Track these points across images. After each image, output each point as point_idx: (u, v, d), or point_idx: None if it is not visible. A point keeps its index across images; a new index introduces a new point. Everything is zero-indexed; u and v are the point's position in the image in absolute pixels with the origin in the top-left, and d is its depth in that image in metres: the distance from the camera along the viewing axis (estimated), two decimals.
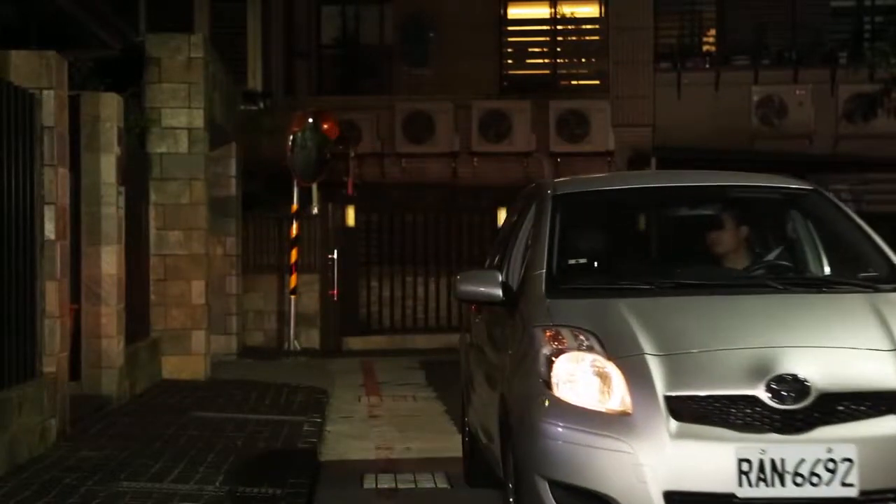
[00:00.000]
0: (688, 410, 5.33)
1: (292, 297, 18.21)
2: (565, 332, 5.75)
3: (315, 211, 19.45)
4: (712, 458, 5.25)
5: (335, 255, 18.76)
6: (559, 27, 25.24)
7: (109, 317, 11.40)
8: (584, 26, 25.29)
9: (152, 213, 13.93)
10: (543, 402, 5.58)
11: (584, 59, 25.36)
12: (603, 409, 5.46)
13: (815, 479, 5.23)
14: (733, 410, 5.31)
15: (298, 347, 18.00)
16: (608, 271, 6.76)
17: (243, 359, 17.01)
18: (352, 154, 21.68)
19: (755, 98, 22.24)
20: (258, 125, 19.46)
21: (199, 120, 14.02)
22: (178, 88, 13.95)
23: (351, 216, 19.62)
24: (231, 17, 22.66)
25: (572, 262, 6.77)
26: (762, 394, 5.31)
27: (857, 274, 6.48)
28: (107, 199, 11.48)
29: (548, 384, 5.60)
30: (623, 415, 5.40)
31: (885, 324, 5.71)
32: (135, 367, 12.35)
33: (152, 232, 13.93)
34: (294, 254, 18.26)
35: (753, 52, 22.57)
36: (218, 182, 16.50)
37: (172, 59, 13.98)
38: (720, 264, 6.77)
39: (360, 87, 24.86)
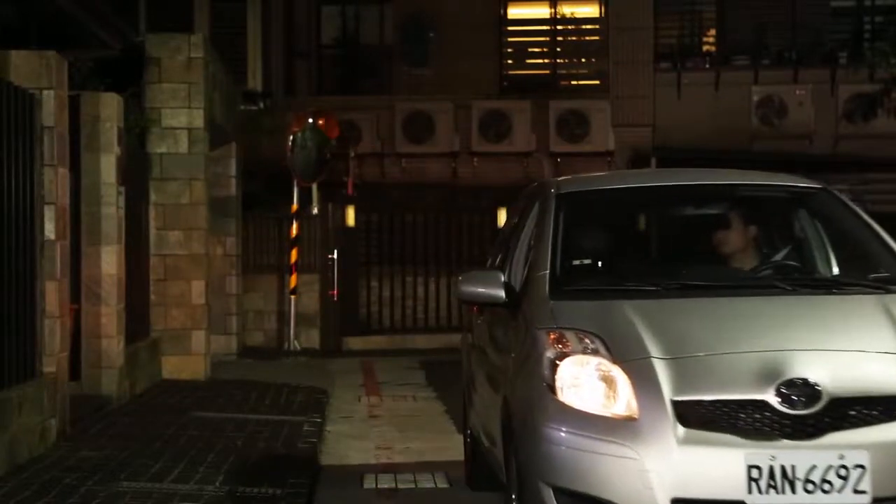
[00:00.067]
0: (696, 415, 5.21)
1: (292, 297, 18.21)
2: (570, 335, 5.63)
3: (315, 211, 19.45)
4: (721, 465, 5.13)
5: (335, 255, 18.76)
6: (559, 27, 25.24)
7: (109, 317, 11.40)
8: (584, 26, 25.29)
9: (152, 213, 13.93)
10: (547, 407, 5.46)
11: (584, 59, 25.36)
12: (608, 414, 5.34)
13: (826, 486, 5.10)
14: (742, 415, 5.19)
15: (298, 347, 18.00)
16: (613, 272, 6.61)
17: (243, 359, 17.01)
18: (352, 154, 21.69)
19: (755, 98, 22.24)
20: (258, 125, 19.46)
21: (199, 120, 14.02)
22: (178, 88, 13.95)
23: (351, 216, 19.62)
24: (231, 17, 22.66)
25: (576, 262, 6.65)
26: (772, 398, 5.19)
27: (868, 275, 6.33)
28: (107, 199, 11.49)
29: (552, 388, 5.48)
30: (629, 420, 5.28)
31: None
32: (135, 367, 12.35)
33: (152, 232, 13.93)
34: (294, 254, 18.26)
35: (753, 52, 22.57)
36: (218, 182, 16.50)
37: (172, 59, 13.98)
38: (727, 264, 6.66)
39: (360, 87, 24.87)
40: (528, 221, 7.05)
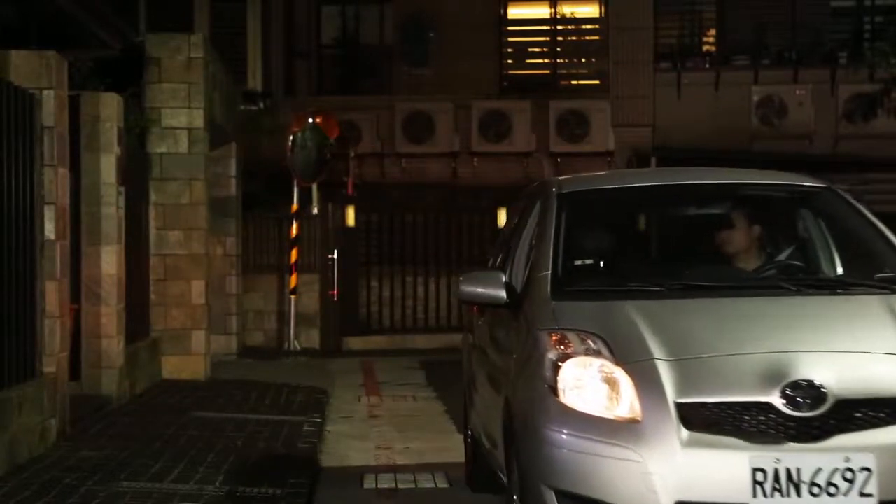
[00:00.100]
0: (699, 418, 5.14)
1: (292, 297, 18.21)
2: (572, 336, 5.55)
3: (315, 211, 19.45)
4: (725, 468, 5.05)
5: (335, 255, 18.76)
6: (559, 27, 25.24)
7: (109, 317, 11.40)
8: (584, 26, 25.29)
9: (152, 213, 13.93)
10: (549, 409, 5.39)
11: (584, 59, 25.36)
12: (611, 417, 5.26)
13: (832, 490, 5.02)
14: (747, 418, 5.12)
15: (298, 347, 18.00)
16: (616, 272, 6.51)
17: (243, 359, 17.01)
18: (352, 154, 21.68)
19: (755, 98, 22.24)
20: (258, 125, 19.46)
21: (199, 120, 14.02)
22: (178, 88, 13.96)
23: (351, 216, 19.62)
24: (231, 17, 22.66)
25: (578, 262, 6.57)
26: (777, 400, 5.11)
27: (873, 274, 6.24)
28: (107, 199, 11.49)
29: (554, 390, 5.41)
30: (632, 422, 5.20)
31: None
32: (135, 367, 12.35)
33: (152, 232, 13.93)
34: (294, 254, 18.26)
35: (753, 52, 22.56)
36: (218, 182, 16.50)
37: (172, 59, 13.98)
38: (730, 264, 6.58)
39: (360, 87, 24.86)
40: (529, 221, 6.97)
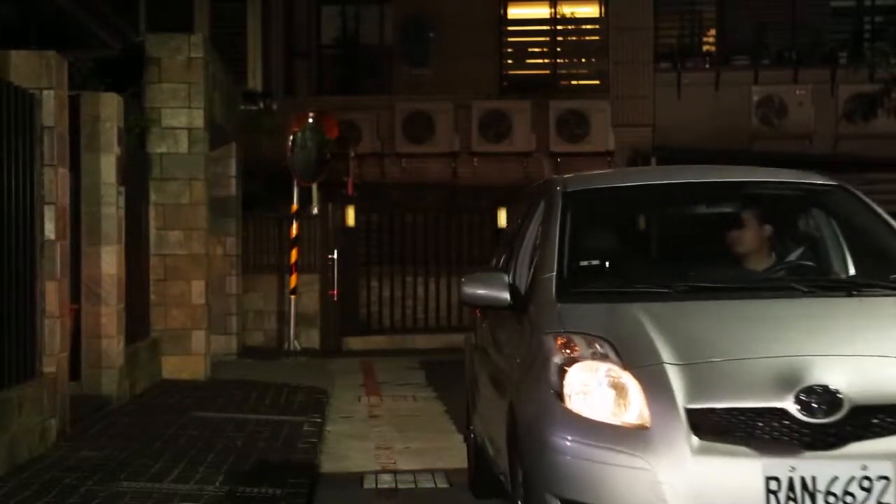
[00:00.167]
0: (711, 424, 4.97)
1: (292, 297, 18.21)
2: (578, 340, 5.40)
3: (315, 211, 19.45)
4: (738, 476, 4.89)
5: (335, 255, 18.76)
6: (559, 27, 25.24)
7: (109, 317, 11.40)
8: (584, 26, 25.29)
9: (152, 213, 13.93)
10: (554, 415, 5.24)
11: (584, 59, 25.36)
12: (619, 423, 5.10)
13: (848, 499, 4.86)
14: (760, 424, 4.95)
15: (298, 347, 18.00)
16: (623, 274, 6.30)
17: (243, 359, 17.01)
18: (352, 154, 21.68)
19: (755, 98, 22.24)
20: (258, 125, 19.46)
21: (199, 120, 14.02)
22: (178, 88, 13.95)
23: (351, 216, 19.62)
24: (231, 17, 22.65)
25: (584, 263, 6.37)
26: (791, 406, 4.95)
27: (888, 275, 6.05)
28: (107, 199, 11.49)
29: (559, 395, 5.25)
30: (640, 429, 5.05)
31: None
32: (135, 367, 12.35)
33: (152, 232, 13.93)
34: (294, 254, 18.26)
35: (753, 52, 22.57)
36: (218, 182, 16.50)
37: (172, 59, 13.98)
38: (740, 265, 6.41)
39: (360, 87, 24.86)
40: (533, 221, 6.82)
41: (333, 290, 18.73)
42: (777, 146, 21.43)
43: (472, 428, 8.00)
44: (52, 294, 9.43)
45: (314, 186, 19.30)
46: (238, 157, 17.43)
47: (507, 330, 6.43)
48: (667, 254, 7.02)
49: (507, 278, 6.37)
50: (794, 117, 22.18)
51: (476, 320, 7.86)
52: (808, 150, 21.74)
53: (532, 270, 6.31)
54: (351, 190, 21.16)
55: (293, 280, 18.21)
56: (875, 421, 4.96)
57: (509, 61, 25.36)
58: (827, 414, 4.94)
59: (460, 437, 10.29)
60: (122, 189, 11.71)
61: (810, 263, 6.50)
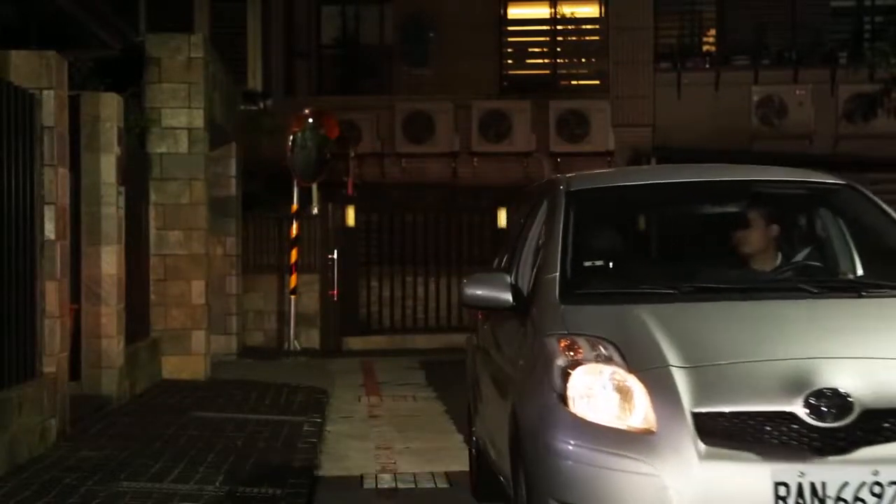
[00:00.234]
0: (718, 429, 4.88)
1: (292, 297, 18.21)
2: (582, 342, 5.29)
3: (315, 211, 19.45)
4: (746, 482, 4.79)
5: (335, 255, 18.76)
6: (559, 27, 25.25)
7: (109, 317, 11.40)
8: (584, 26, 25.30)
9: (152, 213, 13.93)
10: (558, 419, 5.13)
11: (584, 59, 25.37)
12: (624, 427, 5.00)
13: None
14: (768, 428, 4.85)
15: (298, 347, 18.00)
16: (627, 274, 6.22)
17: (243, 359, 17.01)
18: (352, 154, 21.69)
19: (755, 98, 22.23)
20: (258, 125, 19.46)
21: (199, 120, 14.02)
22: (178, 88, 13.96)
23: (351, 216, 19.62)
24: (231, 17, 22.65)
25: (588, 264, 6.26)
26: (800, 410, 4.85)
27: None
28: (107, 199, 11.49)
29: (563, 399, 5.14)
30: (646, 433, 4.95)
31: None
32: (135, 367, 12.35)
33: (152, 232, 13.93)
34: (294, 254, 18.26)
35: (753, 52, 22.56)
36: (218, 182, 16.50)
37: (172, 59, 13.98)
38: (747, 265, 6.30)
39: (360, 87, 24.87)
40: (535, 221, 6.72)
41: (333, 290, 18.73)
42: (777, 146, 21.43)
43: (473, 430, 7.91)
44: (52, 294, 9.43)
45: (314, 186, 19.30)
46: (238, 157, 17.43)
47: (509, 331, 6.32)
48: (672, 254, 6.90)
49: (508, 279, 6.27)
50: (794, 117, 22.17)
51: (477, 321, 7.76)
52: (808, 150, 21.73)
53: (535, 271, 6.21)
54: (351, 190, 21.17)
55: (293, 280, 18.22)
56: (886, 425, 4.87)
57: (509, 61, 25.37)
58: (837, 418, 4.85)
59: (460, 437, 10.30)
60: (122, 189, 11.71)
61: (817, 264, 6.39)
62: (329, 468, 9.30)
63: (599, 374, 5.15)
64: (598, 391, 5.11)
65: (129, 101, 12.70)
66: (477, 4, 24.65)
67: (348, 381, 14.96)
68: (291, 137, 18.02)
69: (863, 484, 4.78)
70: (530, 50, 25.69)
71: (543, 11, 25.25)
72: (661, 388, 5.01)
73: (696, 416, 4.91)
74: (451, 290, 19.55)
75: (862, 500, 4.78)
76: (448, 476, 8.87)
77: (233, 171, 17.23)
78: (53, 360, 9.41)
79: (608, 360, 5.18)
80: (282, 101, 22.75)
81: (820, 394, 4.88)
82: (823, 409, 4.86)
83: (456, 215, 20.59)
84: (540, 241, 6.42)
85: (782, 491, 4.79)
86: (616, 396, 5.08)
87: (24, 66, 9.36)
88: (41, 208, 9.37)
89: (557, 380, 5.21)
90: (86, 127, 11.39)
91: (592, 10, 25.21)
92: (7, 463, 8.27)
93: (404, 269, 20.10)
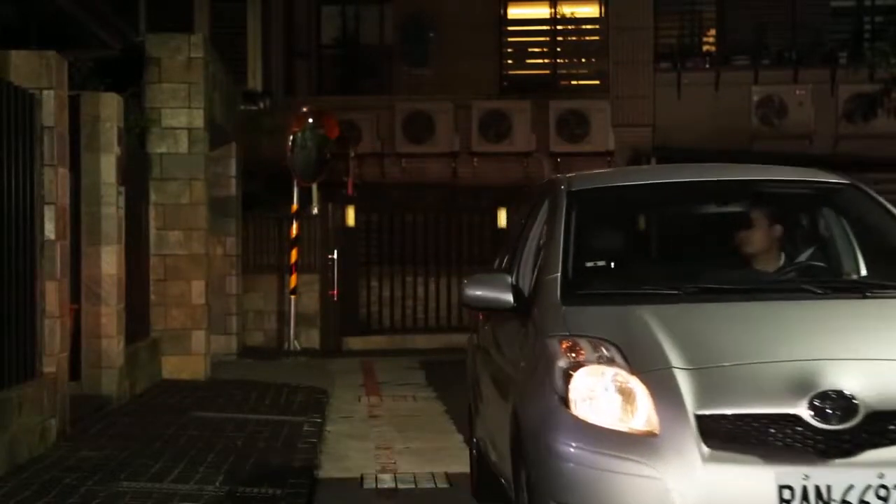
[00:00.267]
0: (722, 431, 4.82)
1: (292, 297, 18.21)
2: (583, 343, 5.23)
3: (315, 211, 19.45)
4: (749, 485, 4.74)
5: (335, 255, 18.77)
6: (559, 27, 25.24)
7: (109, 317, 11.40)
8: (584, 26, 25.30)
9: (152, 213, 13.93)
10: (559, 421, 5.08)
11: (584, 59, 25.37)
12: (626, 430, 4.95)
13: None
14: (772, 431, 4.80)
15: (298, 347, 18.00)
16: (630, 275, 6.18)
17: (243, 359, 17.02)
18: (352, 154, 21.69)
19: (755, 98, 22.24)
20: (258, 125, 19.46)
21: (199, 120, 14.02)
22: (178, 88, 13.96)
23: (351, 216, 19.63)
24: (231, 17, 22.65)
25: (590, 264, 6.23)
26: (804, 412, 4.79)
27: None
28: (107, 199, 11.49)
29: (564, 401, 5.08)
30: (649, 436, 4.89)
31: None
32: (135, 367, 12.35)
33: (152, 232, 13.93)
34: (294, 254, 18.26)
35: (753, 52, 22.57)
36: (218, 182, 16.50)
37: (172, 59, 13.98)
38: (750, 266, 6.23)
39: (360, 87, 24.87)
40: (537, 221, 6.66)
41: (333, 290, 18.73)
42: (777, 146, 21.43)
43: (474, 433, 7.84)
44: (52, 294, 9.43)
45: (314, 186, 19.30)
46: (238, 157, 17.43)
47: (510, 332, 6.24)
48: (674, 254, 6.79)
49: (509, 280, 6.21)
50: (794, 117, 22.18)
51: (478, 321, 7.69)
52: (808, 150, 21.73)
53: (536, 272, 6.14)
54: (351, 190, 21.17)
55: (293, 280, 18.22)
56: (892, 427, 4.82)
57: (509, 61, 25.36)
58: (842, 420, 4.80)
59: (460, 437, 10.30)
60: (122, 189, 11.71)
61: (821, 264, 6.34)
62: (329, 468, 9.30)
63: (601, 376, 5.09)
64: (600, 393, 5.06)
65: (129, 101, 12.70)
66: (477, 4, 24.65)
67: (348, 381, 14.96)
68: (291, 137, 18.02)
69: (868, 487, 4.73)
70: (530, 50, 25.69)
71: (543, 11, 25.25)
72: (663, 390, 4.96)
73: (699, 418, 4.86)
74: (451, 290, 19.56)
75: None
76: (448, 476, 8.86)
77: (233, 171, 17.23)
78: (53, 360, 9.41)
79: (610, 361, 5.13)
80: (282, 101, 22.75)
81: (824, 396, 4.83)
82: (828, 411, 4.81)
83: (456, 215, 20.59)
84: (541, 242, 6.35)
85: (787, 494, 4.74)
86: (618, 398, 5.03)
87: (24, 66, 9.36)
88: (41, 208, 9.37)
89: (559, 381, 5.16)
90: (86, 127, 11.39)
91: (592, 10, 25.21)
92: (7, 463, 8.27)
93: (404, 269, 20.10)
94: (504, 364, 6.34)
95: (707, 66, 22.66)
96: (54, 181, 9.46)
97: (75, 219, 10.91)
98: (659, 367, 5.05)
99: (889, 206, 6.39)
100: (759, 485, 4.75)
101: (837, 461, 4.76)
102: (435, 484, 8.72)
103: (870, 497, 4.73)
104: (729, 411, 4.86)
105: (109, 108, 11.49)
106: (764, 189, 6.58)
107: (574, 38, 25.26)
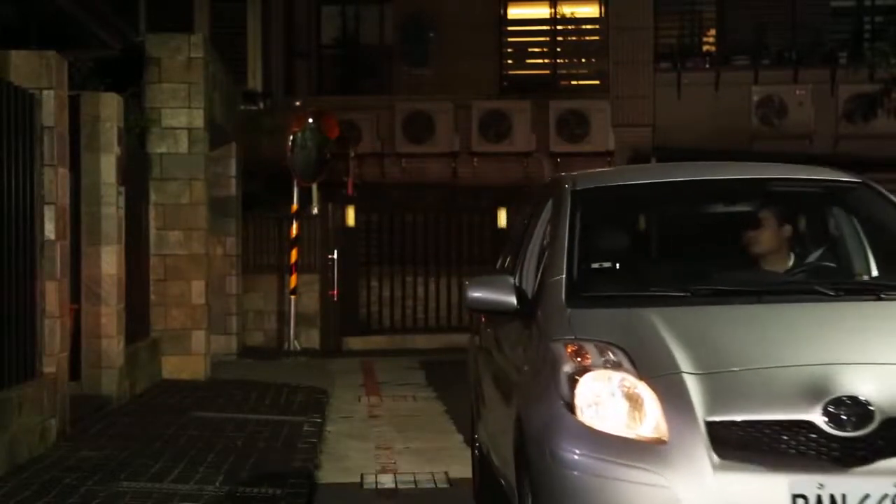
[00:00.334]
0: (733, 438, 4.68)
1: (292, 297, 18.21)
2: (589, 347, 5.09)
3: (315, 211, 19.45)
4: (762, 494, 4.59)
5: (335, 255, 18.77)
6: (559, 27, 25.25)
7: (109, 317, 11.40)
8: (584, 26, 25.30)
9: (152, 213, 13.93)
10: (564, 428, 4.94)
11: (584, 59, 25.37)
12: (634, 437, 4.80)
13: None
14: (785, 438, 4.65)
15: (298, 347, 18.00)
16: (637, 276, 6.00)
17: (243, 359, 17.02)
18: (352, 154, 21.69)
19: (755, 98, 22.22)
20: (258, 125, 19.46)
21: (199, 120, 14.02)
22: (178, 88, 13.96)
23: (351, 216, 19.63)
24: (231, 17, 22.66)
25: (595, 265, 6.01)
26: (818, 419, 4.65)
27: None
28: (107, 199, 11.49)
29: (570, 407, 4.94)
30: (658, 443, 4.75)
31: None
32: (135, 367, 12.35)
33: (152, 232, 13.94)
34: (294, 254, 18.26)
35: (753, 52, 22.55)
36: (218, 182, 16.50)
37: (172, 59, 13.98)
38: (758, 266, 6.08)
39: (360, 87, 24.87)
40: (540, 221, 6.52)
41: (333, 290, 18.73)
42: (777, 146, 21.42)
43: (476, 437, 7.74)
44: (52, 294, 9.43)
45: (314, 186, 19.30)
46: (238, 157, 17.44)
47: (513, 335, 6.09)
48: (682, 255, 6.54)
49: (512, 281, 6.05)
50: (794, 117, 22.17)
51: (480, 322, 7.57)
52: (808, 150, 21.71)
53: (540, 273, 6.00)
54: (351, 190, 21.17)
55: (293, 280, 18.22)
56: None
57: (509, 61, 25.37)
58: (857, 427, 4.66)
59: (460, 438, 10.30)
60: (122, 189, 11.71)
61: (831, 264, 6.19)
62: (329, 468, 9.30)
63: (608, 381, 4.95)
64: (606, 399, 4.92)
65: (129, 101, 12.70)
66: (477, 4, 24.65)
67: (348, 381, 14.95)
68: (291, 137, 18.02)
69: (885, 496, 4.59)
70: (530, 50, 25.69)
71: (543, 11, 25.25)
72: (672, 396, 4.82)
73: (709, 424, 4.72)
74: (451, 290, 19.57)
75: None
76: (448, 476, 8.86)
77: (233, 171, 17.23)
78: (53, 360, 9.41)
79: (617, 366, 4.99)
80: (282, 101, 22.75)
81: (839, 402, 4.69)
82: (843, 417, 4.67)
83: (456, 215, 20.59)
84: (545, 242, 6.23)
85: (800, 503, 4.61)
86: (625, 404, 4.89)
87: (24, 66, 9.36)
88: (41, 208, 9.37)
89: (564, 387, 5.02)
90: (86, 127, 11.39)
91: (592, 10, 25.22)
92: (7, 463, 8.27)
93: (404, 269, 20.10)
94: (507, 367, 6.19)
95: (707, 66, 22.65)
96: (54, 181, 9.47)
97: (75, 219, 10.91)
98: (667, 371, 4.91)
99: None
100: (772, 494, 4.61)
101: (853, 469, 4.62)
102: (435, 484, 8.72)
103: None
104: (740, 418, 4.73)
105: (109, 108, 11.50)
106: (773, 188, 6.44)
107: (574, 38, 25.26)
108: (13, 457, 8.41)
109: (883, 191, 6.32)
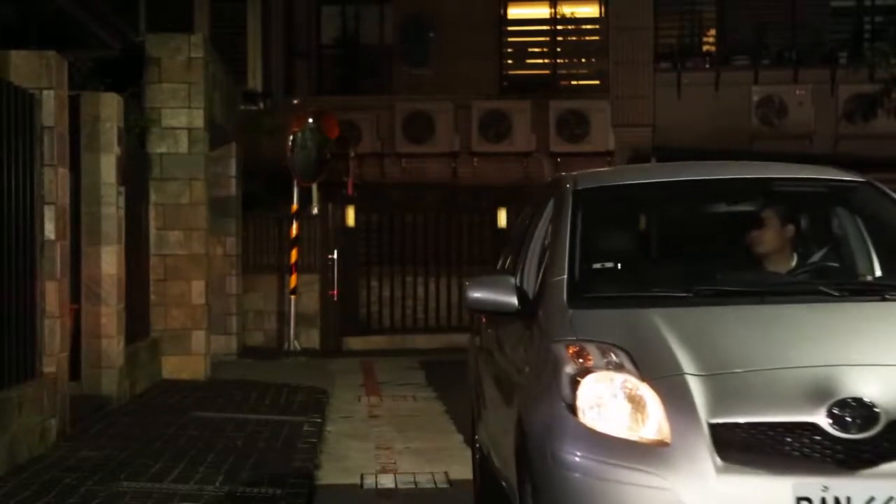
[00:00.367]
0: (736, 440, 4.63)
1: (292, 297, 18.22)
2: (591, 349, 5.04)
3: (315, 211, 19.46)
4: (766, 497, 4.54)
5: (335, 255, 18.77)
6: (559, 27, 25.25)
7: (109, 317, 11.40)
8: (584, 26, 25.31)
9: (152, 213, 13.93)
10: (566, 430, 4.89)
11: (584, 59, 25.37)
12: (636, 439, 4.75)
13: None
14: (789, 440, 4.60)
15: (298, 347, 18.00)
16: (639, 277, 5.96)
17: (243, 359, 17.02)
18: (352, 154, 21.69)
19: (755, 98, 22.22)
20: (258, 125, 19.47)
21: (199, 120, 14.02)
22: (178, 88, 13.96)
23: (351, 216, 19.63)
24: (231, 17, 22.66)
25: (597, 266, 5.96)
26: (822, 421, 4.60)
27: None
28: (107, 199, 11.49)
29: (571, 409, 4.89)
30: (660, 445, 4.71)
31: None
32: (135, 367, 12.35)
33: (152, 232, 13.94)
34: (294, 254, 18.26)
35: (753, 52, 22.55)
36: (218, 182, 16.50)
37: (172, 59, 13.98)
38: (761, 266, 6.01)
39: (360, 87, 24.87)
40: (541, 221, 6.46)
41: (333, 290, 18.73)
42: (777, 146, 21.41)
43: (477, 438, 7.68)
44: (52, 294, 9.43)
45: (314, 186, 19.31)
46: (238, 157, 17.44)
47: (514, 335, 6.04)
48: (684, 255, 6.46)
49: (513, 281, 5.97)
50: (794, 117, 22.17)
51: (480, 322, 7.52)
52: (808, 150, 21.72)
53: (541, 273, 5.95)
54: (351, 190, 21.17)
55: (293, 280, 18.22)
56: None
57: (509, 61, 25.37)
58: (862, 429, 4.61)
59: (460, 438, 10.30)
60: (122, 189, 11.71)
61: (835, 265, 6.13)
62: (329, 468, 9.30)
63: (610, 383, 4.90)
64: (608, 400, 4.87)
65: (129, 101, 12.70)
66: (477, 4, 24.65)
67: (348, 381, 14.96)
68: (291, 137, 18.02)
69: (890, 499, 4.54)
70: (530, 50, 25.69)
71: (543, 11, 25.25)
72: (675, 398, 4.77)
73: (712, 426, 4.68)
74: (451, 290, 19.57)
75: None
76: (448, 476, 8.86)
77: (233, 171, 17.24)
78: (53, 360, 9.41)
79: (619, 367, 4.93)
80: (282, 101, 22.75)
81: (844, 403, 4.64)
82: (847, 419, 4.62)
83: (456, 215, 20.59)
84: (546, 242, 6.17)
85: None
86: (628, 406, 4.84)
87: (24, 66, 9.36)
88: (41, 208, 9.37)
89: (566, 388, 4.97)
90: (86, 127, 11.39)
91: (592, 10, 25.22)
92: (7, 463, 8.27)
93: (404, 269, 20.11)
94: (508, 368, 6.13)
95: (707, 66, 22.64)
96: (54, 181, 9.47)
97: (75, 219, 10.91)
98: (670, 373, 4.86)
99: None
100: (776, 496, 4.57)
101: (858, 472, 4.58)
102: (435, 484, 8.72)
103: None
104: (744, 420, 4.68)
105: (109, 108, 11.50)
106: (776, 187, 6.39)
107: (574, 38, 25.27)
108: (13, 457, 8.41)
109: (887, 190, 6.27)
